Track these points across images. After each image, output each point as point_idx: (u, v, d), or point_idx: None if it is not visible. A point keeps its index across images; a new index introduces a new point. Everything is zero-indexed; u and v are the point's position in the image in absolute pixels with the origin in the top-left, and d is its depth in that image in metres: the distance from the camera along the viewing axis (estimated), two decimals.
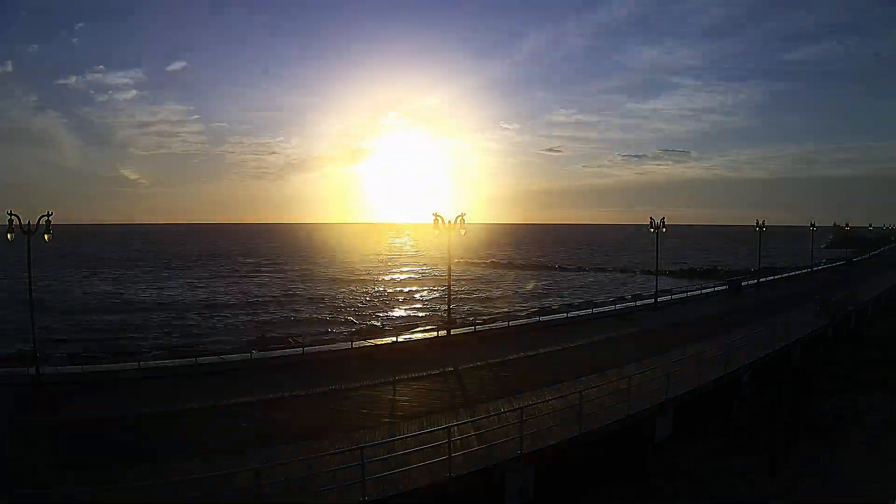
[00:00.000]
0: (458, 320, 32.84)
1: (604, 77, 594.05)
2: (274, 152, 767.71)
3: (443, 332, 26.03)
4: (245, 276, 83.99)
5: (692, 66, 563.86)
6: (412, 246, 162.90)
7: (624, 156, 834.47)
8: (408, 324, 40.56)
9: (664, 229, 35.98)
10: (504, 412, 14.45)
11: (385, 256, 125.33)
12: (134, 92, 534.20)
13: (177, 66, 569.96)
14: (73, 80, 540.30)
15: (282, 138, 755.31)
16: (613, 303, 38.81)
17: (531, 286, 70.61)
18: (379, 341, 25.78)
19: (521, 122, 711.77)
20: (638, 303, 36.98)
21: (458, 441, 12.33)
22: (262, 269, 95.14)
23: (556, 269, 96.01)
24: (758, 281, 45.77)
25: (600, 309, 35.51)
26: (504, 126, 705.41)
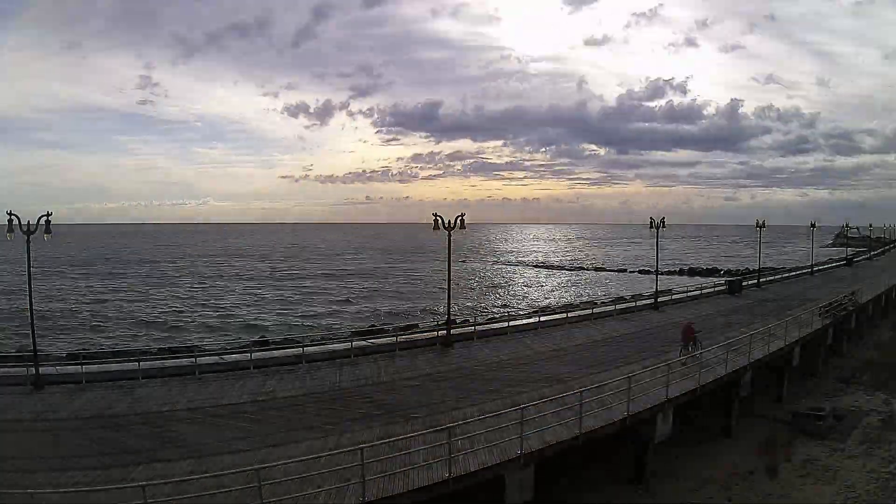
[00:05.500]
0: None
1: None
2: None
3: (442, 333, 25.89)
4: None
5: None
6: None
7: None
8: (408, 323, 40.45)
9: (664, 228, 35.96)
10: (504, 412, 14.40)
11: None
12: None
13: None
14: None
15: None
16: (614, 303, 38.73)
17: None
18: (378, 341, 25.61)
19: None
20: (638, 302, 36.88)
21: (459, 441, 12.30)
22: None
23: None
24: (758, 280, 45.68)
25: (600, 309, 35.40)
26: None
